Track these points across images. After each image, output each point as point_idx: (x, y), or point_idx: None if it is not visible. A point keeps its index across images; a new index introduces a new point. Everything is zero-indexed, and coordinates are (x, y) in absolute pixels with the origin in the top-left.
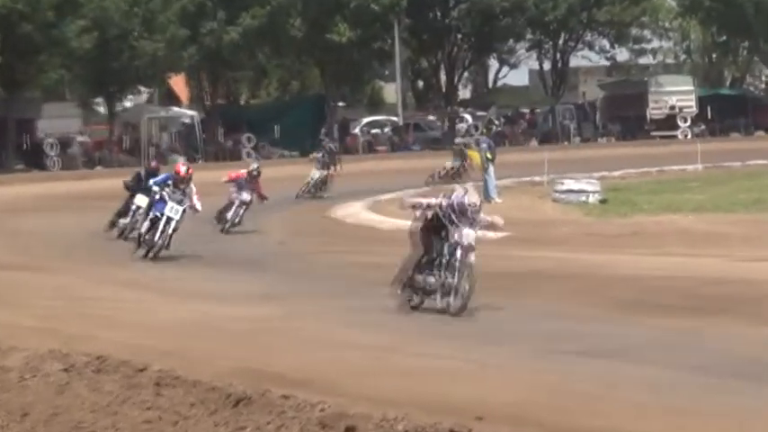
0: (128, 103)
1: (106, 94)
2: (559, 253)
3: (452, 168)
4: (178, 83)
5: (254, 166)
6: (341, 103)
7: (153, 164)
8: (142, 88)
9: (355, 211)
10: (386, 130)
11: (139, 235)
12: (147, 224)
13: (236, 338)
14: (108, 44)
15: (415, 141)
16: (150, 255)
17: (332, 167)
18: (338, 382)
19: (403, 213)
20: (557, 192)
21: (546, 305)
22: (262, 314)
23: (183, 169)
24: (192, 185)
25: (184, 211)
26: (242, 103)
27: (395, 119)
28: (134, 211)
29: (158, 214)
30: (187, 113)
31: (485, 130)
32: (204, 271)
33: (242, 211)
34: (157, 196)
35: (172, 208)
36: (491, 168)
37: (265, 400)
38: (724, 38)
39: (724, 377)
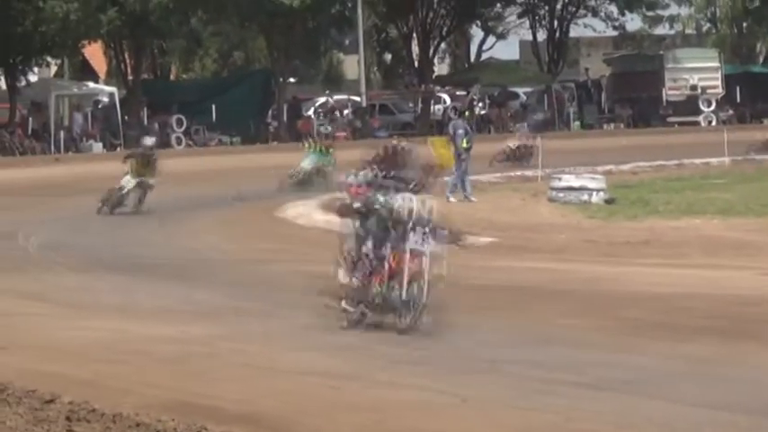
0: (33, 78)
1: (6, 66)
2: (556, 264)
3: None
4: (94, 53)
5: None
6: (292, 80)
7: None
8: (50, 59)
9: (307, 211)
10: (346, 112)
11: None
12: None
13: (164, 364)
14: (8, 5)
15: (381, 126)
16: None
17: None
18: (290, 419)
19: None
20: (553, 189)
21: (538, 327)
22: (195, 334)
23: None
24: None
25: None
26: (171, 78)
27: (357, 99)
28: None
29: None
30: (105, 90)
31: (465, 114)
32: (121, 280)
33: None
34: None
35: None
36: (468, 160)
37: None
38: (757, 4)
39: (753, 414)
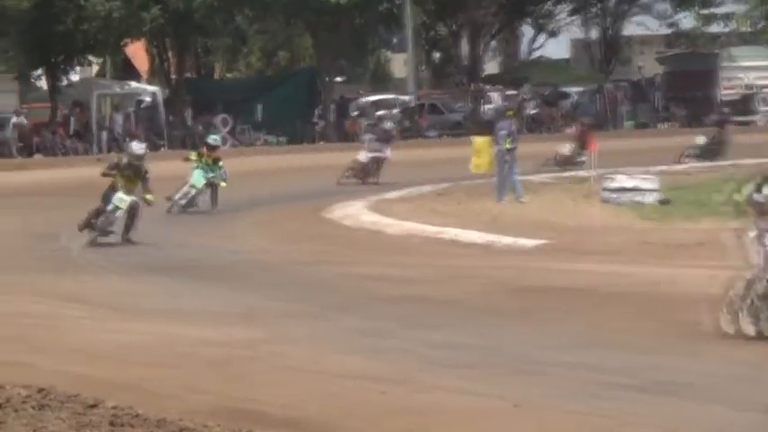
0: (74, 77)
1: (47, 66)
2: (609, 266)
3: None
4: (137, 52)
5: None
6: (338, 79)
7: None
8: (92, 58)
9: (355, 212)
10: (394, 111)
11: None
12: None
13: (208, 367)
14: (50, 3)
15: (430, 126)
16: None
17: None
18: (335, 423)
19: (413, 215)
20: (606, 190)
21: (592, 330)
22: (239, 337)
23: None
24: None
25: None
26: (216, 77)
27: (405, 98)
28: None
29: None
30: (148, 89)
31: (507, 113)
32: (163, 282)
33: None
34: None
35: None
36: (513, 161)
37: None
38: None
39: None
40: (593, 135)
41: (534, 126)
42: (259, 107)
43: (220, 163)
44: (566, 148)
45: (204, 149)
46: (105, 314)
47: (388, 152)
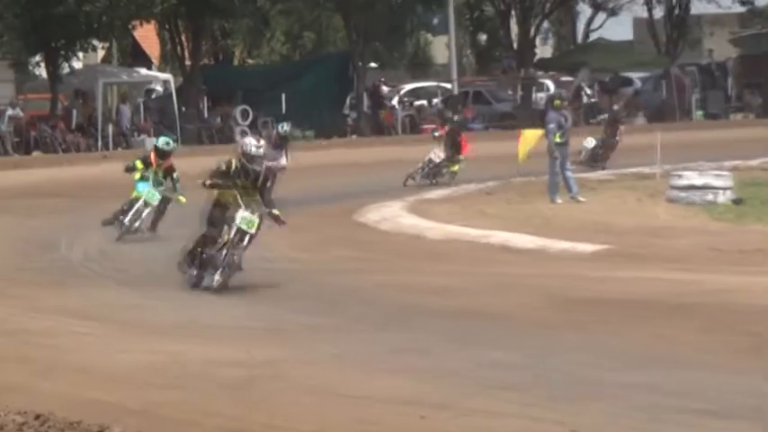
0: (77, 64)
1: (46, 52)
2: (677, 273)
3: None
4: (146, 36)
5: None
6: (372, 64)
7: None
8: (96, 43)
9: (393, 214)
10: (435, 101)
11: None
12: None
13: (226, 390)
14: None
15: (475, 117)
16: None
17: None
18: None
19: (457, 217)
20: (673, 188)
21: (657, 345)
22: (261, 356)
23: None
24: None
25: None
26: (235, 63)
27: (447, 86)
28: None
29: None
30: (159, 77)
31: (555, 103)
32: (177, 295)
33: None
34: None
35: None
36: (564, 156)
37: None
38: None
39: None
40: (464, 136)
41: (592, 116)
42: (283, 97)
43: (175, 174)
44: (590, 143)
45: (152, 156)
46: (112, 331)
47: (283, 161)
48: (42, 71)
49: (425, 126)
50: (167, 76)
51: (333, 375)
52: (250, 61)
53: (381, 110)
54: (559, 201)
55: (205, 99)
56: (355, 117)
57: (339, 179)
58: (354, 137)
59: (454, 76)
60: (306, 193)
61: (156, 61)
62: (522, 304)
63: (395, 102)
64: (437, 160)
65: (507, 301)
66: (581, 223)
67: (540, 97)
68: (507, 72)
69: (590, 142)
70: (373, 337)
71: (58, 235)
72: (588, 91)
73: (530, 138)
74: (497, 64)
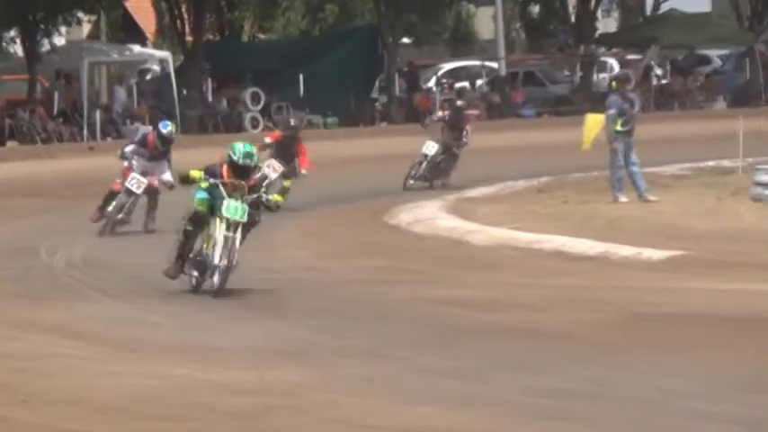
0: (59, 40)
1: (24, 26)
2: (762, 285)
3: None
4: (140, 7)
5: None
6: (405, 40)
7: None
8: (82, 16)
9: (429, 215)
10: (479, 83)
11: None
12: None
13: (235, 421)
14: None
15: (526, 102)
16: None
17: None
18: None
19: (505, 219)
20: (758, 185)
21: (746, 369)
22: (277, 381)
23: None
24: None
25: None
26: (244, 39)
27: (493, 65)
28: None
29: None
30: (156, 55)
31: (614, 85)
32: (177, 311)
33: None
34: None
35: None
36: (628, 147)
37: None
38: None
39: None
40: (302, 145)
41: (664, 101)
42: (301, 78)
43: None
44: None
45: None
46: (102, 352)
47: (167, 175)
48: (18, 48)
49: (468, 111)
50: (165, 54)
51: (360, 404)
52: (261, 36)
53: (416, 93)
54: (624, 199)
55: (209, 81)
56: (385, 102)
57: (366, 174)
58: (384, 124)
59: (501, 53)
60: (327, 191)
61: (151, 37)
62: (582, 321)
63: (431, 83)
64: (431, 153)
65: (565, 318)
66: (650, 226)
67: (601, 78)
68: (564, 49)
69: (430, 148)
70: (407, 360)
71: (36, 239)
72: (659, 71)
73: (595, 122)
74: (552, 40)
